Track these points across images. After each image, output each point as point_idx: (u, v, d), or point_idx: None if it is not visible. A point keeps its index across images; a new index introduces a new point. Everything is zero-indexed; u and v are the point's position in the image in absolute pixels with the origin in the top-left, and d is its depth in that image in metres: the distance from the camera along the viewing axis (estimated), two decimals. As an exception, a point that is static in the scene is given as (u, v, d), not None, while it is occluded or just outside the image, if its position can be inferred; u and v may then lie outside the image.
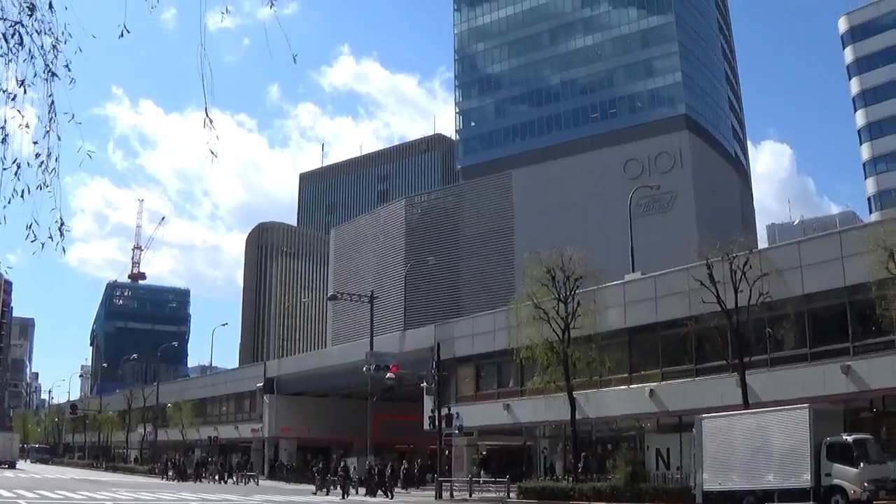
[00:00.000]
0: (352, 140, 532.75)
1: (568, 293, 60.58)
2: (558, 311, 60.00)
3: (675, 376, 61.88)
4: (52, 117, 13.51)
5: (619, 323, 65.11)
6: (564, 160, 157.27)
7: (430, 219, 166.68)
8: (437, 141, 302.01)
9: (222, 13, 15.47)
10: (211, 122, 14.68)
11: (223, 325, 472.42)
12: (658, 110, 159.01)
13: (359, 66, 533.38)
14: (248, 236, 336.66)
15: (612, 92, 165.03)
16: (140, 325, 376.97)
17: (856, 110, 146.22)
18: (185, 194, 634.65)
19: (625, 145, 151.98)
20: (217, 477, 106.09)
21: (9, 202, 13.61)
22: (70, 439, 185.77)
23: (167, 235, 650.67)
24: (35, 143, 13.60)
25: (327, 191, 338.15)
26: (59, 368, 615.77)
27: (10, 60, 13.43)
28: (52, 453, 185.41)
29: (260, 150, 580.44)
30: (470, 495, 68.62)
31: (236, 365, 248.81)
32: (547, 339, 59.77)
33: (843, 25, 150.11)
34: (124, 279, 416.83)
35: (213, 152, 14.82)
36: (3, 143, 13.52)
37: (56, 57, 13.61)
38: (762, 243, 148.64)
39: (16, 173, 13.38)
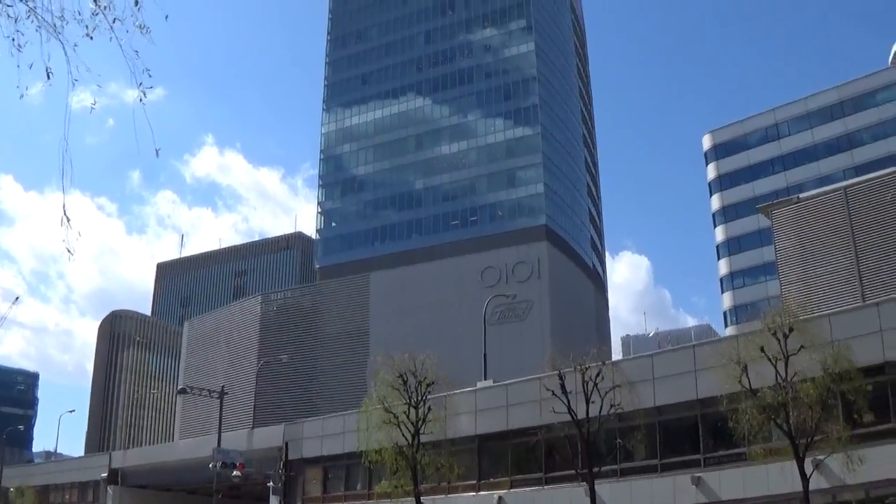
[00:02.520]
0: (211, 231, 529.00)
1: (419, 398, 60.22)
2: (409, 415, 59.56)
3: (524, 484, 61.76)
4: None
5: (469, 429, 64.90)
6: (423, 265, 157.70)
7: (286, 317, 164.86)
8: (297, 239, 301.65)
9: (92, 106, 15.27)
10: (68, 219, 14.39)
11: (70, 411, 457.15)
12: (518, 220, 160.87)
13: (222, 157, 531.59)
14: (101, 323, 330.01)
15: (474, 200, 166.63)
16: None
17: (715, 226, 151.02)
18: (39, 275, 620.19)
19: (483, 253, 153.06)
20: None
21: None
22: None
23: (19, 315, 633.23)
24: None
25: (184, 282, 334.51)
26: None
27: None
28: None
29: (118, 236, 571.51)
30: None
31: (82, 453, 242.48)
32: (396, 444, 59.18)
33: (707, 143, 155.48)
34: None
35: (69, 251, 14.53)
36: None
37: None
38: (616, 354, 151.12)
39: None
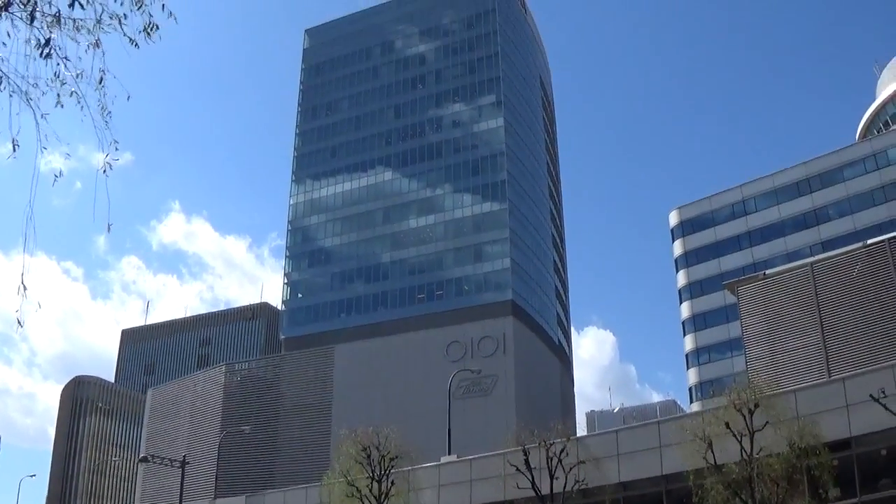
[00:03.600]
0: (176, 299, 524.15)
1: (382, 472, 59.56)
2: (371, 489, 58.86)
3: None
4: None
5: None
6: (388, 338, 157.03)
7: (250, 387, 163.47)
8: (262, 309, 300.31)
9: (56, 176, 15.21)
10: (25, 288, 14.23)
11: (31, 476, 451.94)
12: (485, 295, 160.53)
13: (188, 225, 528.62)
14: (64, 388, 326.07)
15: (441, 274, 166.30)
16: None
17: (681, 302, 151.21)
18: (3, 336, 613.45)
19: (449, 327, 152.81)
20: None
21: None
22: None
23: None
24: None
25: (148, 349, 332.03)
26: None
27: None
28: None
29: (83, 301, 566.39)
30: None
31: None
32: (359, 518, 58.45)
33: (673, 219, 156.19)
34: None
35: (19, 322, 14.44)
36: None
37: None
38: (581, 430, 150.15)
39: None
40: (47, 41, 15.61)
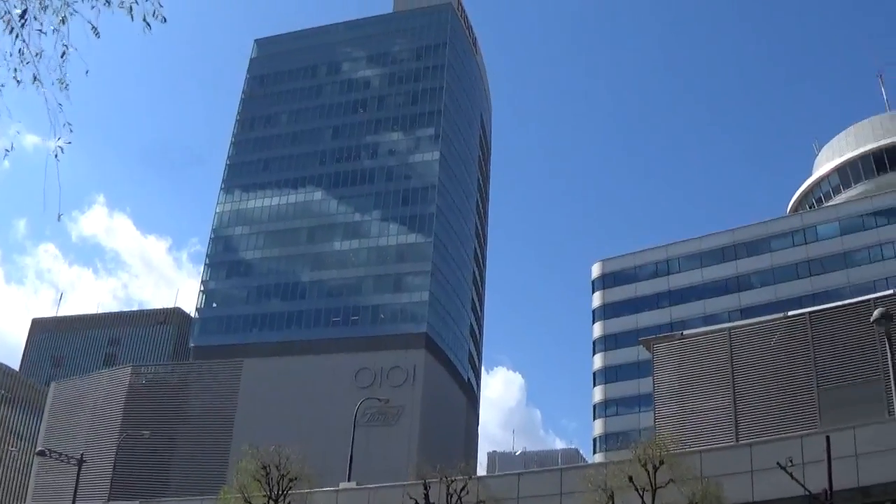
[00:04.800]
0: (89, 294, 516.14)
1: (280, 492, 58.69)
2: (268, 508, 57.99)
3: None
4: None
5: (327, 530, 63.35)
6: (299, 358, 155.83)
7: (154, 392, 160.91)
8: (175, 314, 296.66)
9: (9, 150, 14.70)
10: None
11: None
12: (400, 325, 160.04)
13: (110, 220, 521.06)
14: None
15: (359, 299, 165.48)
16: None
17: (595, 353, 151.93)
18: None
19: (361, 354, 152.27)
20: None
21: None
22: None
23: None
24: None
25: (57, 342, 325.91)
26: None
27: None
28: None
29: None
30: None
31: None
32: (252, 536, 57.51)
33: (596, 271, 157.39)
34: None
35: None
36: None
37: None
38: (482, 469, 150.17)
39: None
40: (23, 13, 15.33)
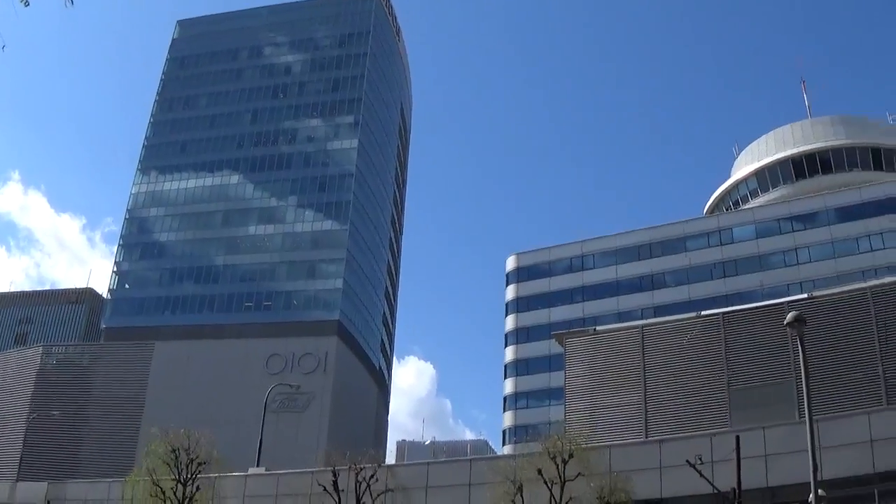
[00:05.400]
0: (1, 272, 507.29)
1: (189, 476, 58.40)
2: (176, 492, 57.65)
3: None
4: None
5: (236, 514, 63.13)
6: (211, 342, 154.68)
7: (65, 372, 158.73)
8: (87, 294, 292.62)
9: None
10: None
11: None
12: (312, 312, 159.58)
13: (25, 197, 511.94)
14: None
15: (272, 285, 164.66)
16: None
17: (507, 346, 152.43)
18: None
19: (273, 339, 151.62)
20: None
21: None
22: None
23: None
24: None
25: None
26: None
27: None
28: None
29: None
30: None
31: None
32: (161, 519, 57.14)
33: (510, 264, 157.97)
34: None
35: None
36: None
37: None
38: (391, 458, 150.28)
39: None
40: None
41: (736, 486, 44.05)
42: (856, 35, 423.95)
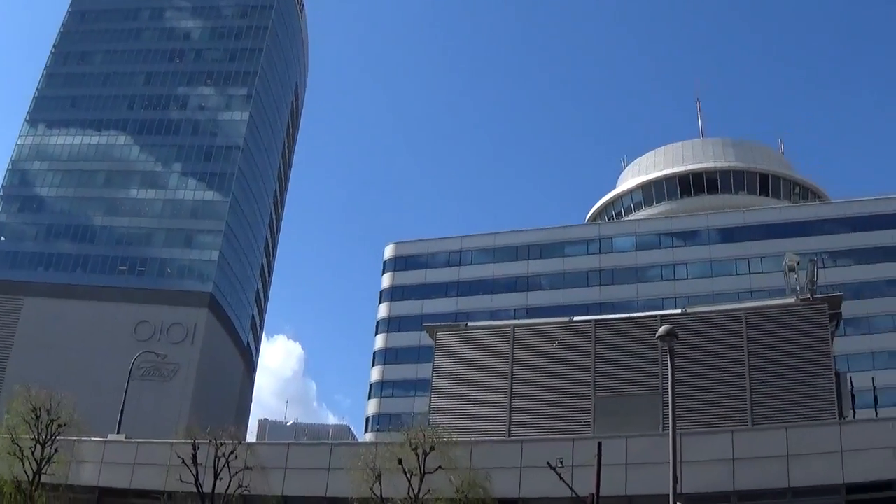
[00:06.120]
0: None
1: (48, 437, 57.69)
2: (34, 451, 56.92)
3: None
4: None
5: (91, 480, 62.36)
6: (81, 302, 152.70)
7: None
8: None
9: None
10: None
11: None
12: (186, 281, 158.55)
13: None
14: None
15: (148, 251, 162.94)
16: None
17: (377, 334, 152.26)
18: None
19: (143, 306, 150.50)
20: None
21: None
22: None
23: None
24: None
25: None
26: None
27: None
28: None
29: None
30: None
31: None
32: (17, 478, 56.32)
33: (388, 252, 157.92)
34: None
35: None
36: None
37: None
38: (252, 436, 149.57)
39: None
40: None
41: (594, 492, 44.89)
42: (755, 62, 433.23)
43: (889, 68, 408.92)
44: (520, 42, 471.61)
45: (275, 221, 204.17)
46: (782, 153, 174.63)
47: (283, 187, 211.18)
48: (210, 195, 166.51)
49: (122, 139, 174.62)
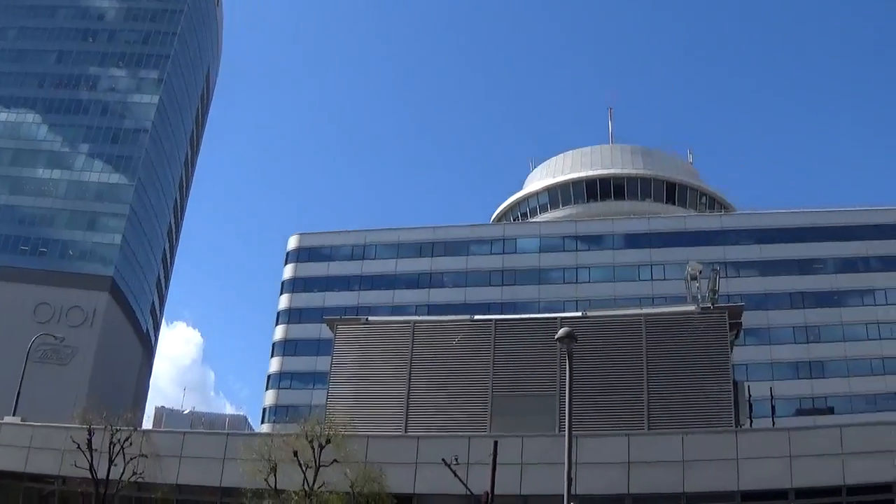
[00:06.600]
0: None
1: (-61, 416, 57.26)
2: (-73, 432, 56.46)
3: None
4: None
5: (-15, 462, 61.83)
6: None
7: None
8: None
9: None
10: None
11: None
12: (87, 265, 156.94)
13: None
14: None
15: (50, 231, 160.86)
16: None
17: (277, 324, 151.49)
18: None
19: (43, 287, 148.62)
20: None
21: None
22: None
23: None
24: None
25: None
26: None
27: None
28: None
29: None
30: None
31: None
32: None
33: (292, 243, 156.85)
34: None
35: None
36: None
37: None
38: (148, 423, 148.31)
39: None
40: None
41: (489, 491, 45.46)
42: (669, 73, 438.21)
43: (800, 84, 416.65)
44: (437, 38, 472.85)
45: (179, 207, 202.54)
46: (691, 163, 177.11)
47: (189, 173, 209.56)
48: (116, 178, 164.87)
49: (30, 117, 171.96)
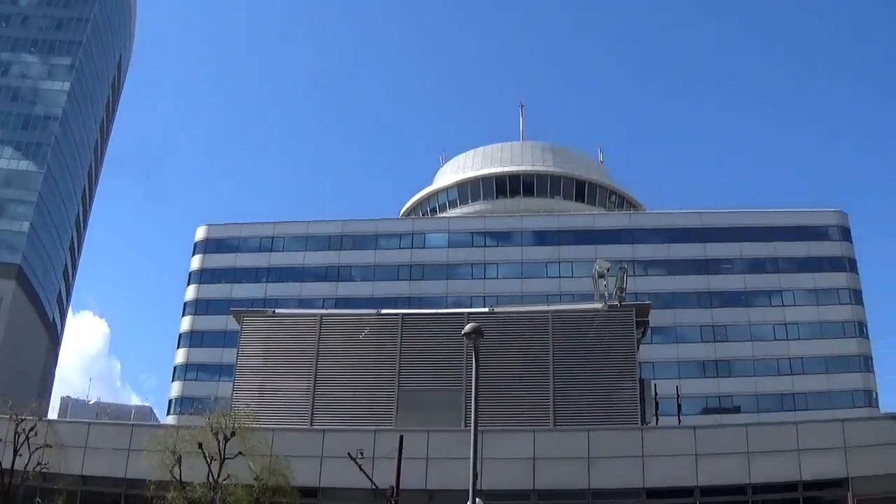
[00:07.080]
0: None
1: None
2: None
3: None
4: None
5: None
6: None
7: None
8: None
9: None
10: None
11: None
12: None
13: None
14: None
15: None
16: None
17: (184, 315, 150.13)
18: None
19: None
20: None
21: None
22: None
23: None
24: None
25: None
26: None
27: None
28: None
29: None
30: None
31: None
32: None
33: (200, 234, 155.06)
34: None
35: None
36: None
37: None
38: (54, 413, 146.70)
39: None
40: None
41: (394, 485, 46.16)
42: (581, 71, 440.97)
43: (711, 84, 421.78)
44: (349, 30, 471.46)
45: (88, 195, 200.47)
46: (601, 162, 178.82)
47: (98, 161, 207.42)
48: (24, 165, 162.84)
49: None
